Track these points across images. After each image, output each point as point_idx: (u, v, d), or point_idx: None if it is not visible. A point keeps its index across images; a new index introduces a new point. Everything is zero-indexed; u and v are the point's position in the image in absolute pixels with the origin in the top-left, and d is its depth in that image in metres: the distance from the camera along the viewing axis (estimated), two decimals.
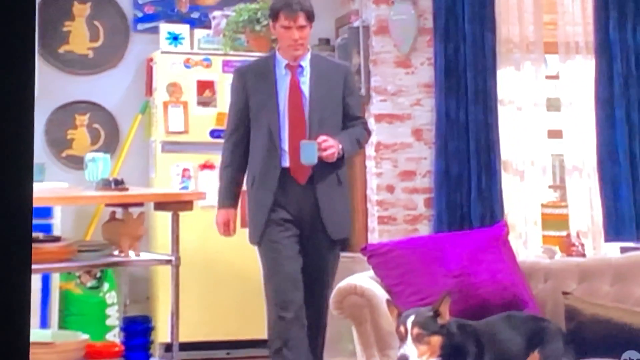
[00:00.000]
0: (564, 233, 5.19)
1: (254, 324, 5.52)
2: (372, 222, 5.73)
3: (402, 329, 3.32)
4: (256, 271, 5.82)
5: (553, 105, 6.23)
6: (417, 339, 3.28)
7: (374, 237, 5.68)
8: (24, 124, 1.16)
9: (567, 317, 3.79)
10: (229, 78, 5.72)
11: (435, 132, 5.61)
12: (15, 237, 1.13)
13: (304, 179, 4.21)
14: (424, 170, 5.66)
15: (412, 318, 3.32)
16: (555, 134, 5.97)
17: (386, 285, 3.77)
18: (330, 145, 4.15)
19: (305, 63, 4.31)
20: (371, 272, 3.89)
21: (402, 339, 3.31)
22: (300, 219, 4.22)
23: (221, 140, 6.00)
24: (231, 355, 5.69)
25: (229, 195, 4.39)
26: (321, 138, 4.15)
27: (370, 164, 5.74)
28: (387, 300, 3.49)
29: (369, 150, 5.73)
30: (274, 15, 4.26)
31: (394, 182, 5.64)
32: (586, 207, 5.76)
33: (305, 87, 4.26)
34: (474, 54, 5.62)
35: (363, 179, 5.87)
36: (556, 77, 6.06)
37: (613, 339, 3.64)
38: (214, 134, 5.73)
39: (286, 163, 4.21)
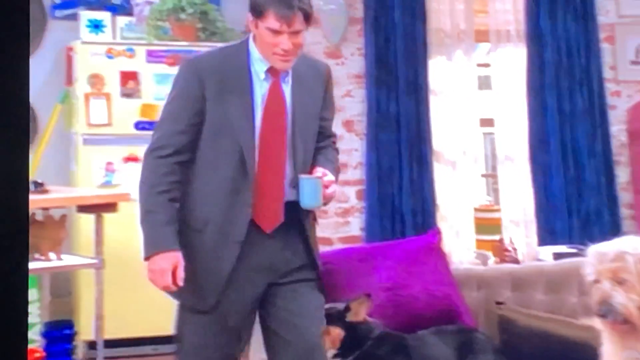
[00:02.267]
0: (497, 237, 5.16)
1: None
2: None
3: None
4: None
5: (484, 83, 6.18)
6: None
7: None
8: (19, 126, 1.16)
9: (501, 327, 3.75)
10: (153, 68, 5.56)
11: (367, 124, 5.52)
12: (12, 238, 1.15)
13: (271, 225, 3.03)
14: (355, 162, 5.58)
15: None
16: (487, 123, 5.93)
17: None
18: (332, 181, 3.03)
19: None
20: None
21: None
22: (269, 271, 3.06)
23: (147, 132, 5.90)
24: (158, 350, 5.57)
25: (172, 233, 2.97)
26: (319, 171, 3.01)
27: None
28: None
29: None
30: (259, 11, 2.96)
31: None
32: (518, 197, 5.74)
33: (287, 98, 3.06)
34: (404, 43, 5.52)
35: None
36: (487, 65, 6.00)
37: (547, 350, 3.62)
38: (138, 125, 5.54)
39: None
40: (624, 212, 5.71)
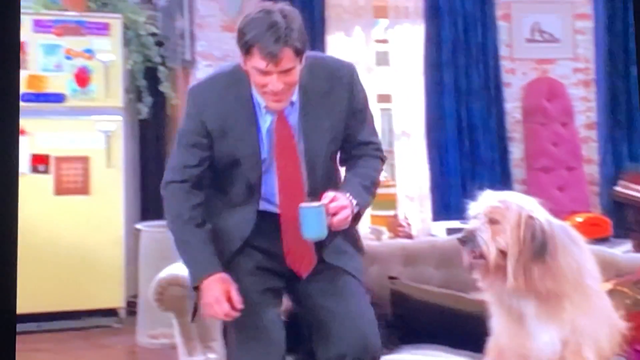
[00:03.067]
0: (392, 212, 5.18)
1: (65, 295, 5.38)
2: None
3: None
4: (70, 240, 5.60)
5: (382, 59, 6.18)
6: None
7: None
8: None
9: (393, 302, 3.75)
10: (40, 38, 5.37)
11: None
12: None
13: (306, 268, 2.87)
14: None
15: None
16: (384, 99, 5.94)
17: None
18: (342, 206, 2.72)
19: (295, 95, 2.81)
20: None
21: None
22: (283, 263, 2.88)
23: (35, 104, 5.69)
24: (42, 327, 5.43)
25: (211, 254, 2.84)
26: (327, 196, 2.72)
27: None
28: None
29: None
30: (245, 49, 2.69)
31: None
32: (414, 172, 5.77)
33: (294, 118, 2.83)
34: (302, 18, 5.41)
35: None
36: (385, 41, 5.99)
37: (439, 324, 3.63)
38: (24, 97, 5.36)
39: (264, 207, 2.88)
40: (517, 187, 5.80)
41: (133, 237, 5.57)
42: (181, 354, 3.51)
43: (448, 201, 5.65)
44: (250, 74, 2.72)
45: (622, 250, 4.19)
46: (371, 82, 5.76)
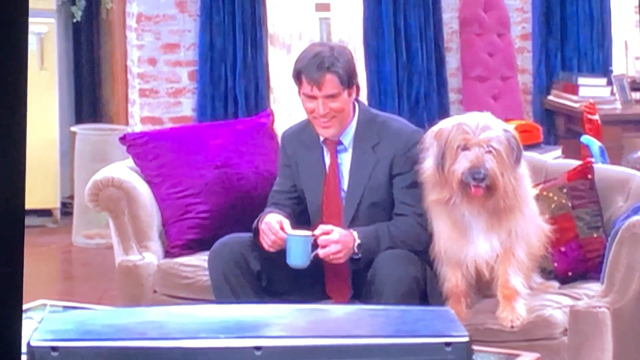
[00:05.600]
0: None
1: None
2: (133, 95, 5.55)
3: None
4: None
5: None
6: None
7: (135, 110, 5.53)
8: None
9: None
10: None
11: (200, 4, 5.43)
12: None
13: (344, 296, 3.14)
14: (189, 43, 5.49)
15: None
16: (323, 8, 5.93)
17: (145, 176, 3.62)
18: (332, 241, 2.96)
19: (348, 138, 3.12)
20: (130, 161, 3.71)
21: None
22: None
23: None
24: None
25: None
26: (321, 228, 2.99)
27: (131, 36, 5.50)
28: None
29: (130, 21, 5.47)
30: (296, 77, 3.07)
31: (156, 54, 5.45)
32: None
33: (345, 170, 3.13)
34: None
35: (123, 50, 5.63)
36: None
37: None
38: None
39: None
40: (453, 96, 5.89)
41: (68, 139, 5.54)
42: (117, 254, 3.54)
43: (384, 109, 5.70)
44: (303, 103, 3.07)
45: (552, 157, 4.29)
46: None
